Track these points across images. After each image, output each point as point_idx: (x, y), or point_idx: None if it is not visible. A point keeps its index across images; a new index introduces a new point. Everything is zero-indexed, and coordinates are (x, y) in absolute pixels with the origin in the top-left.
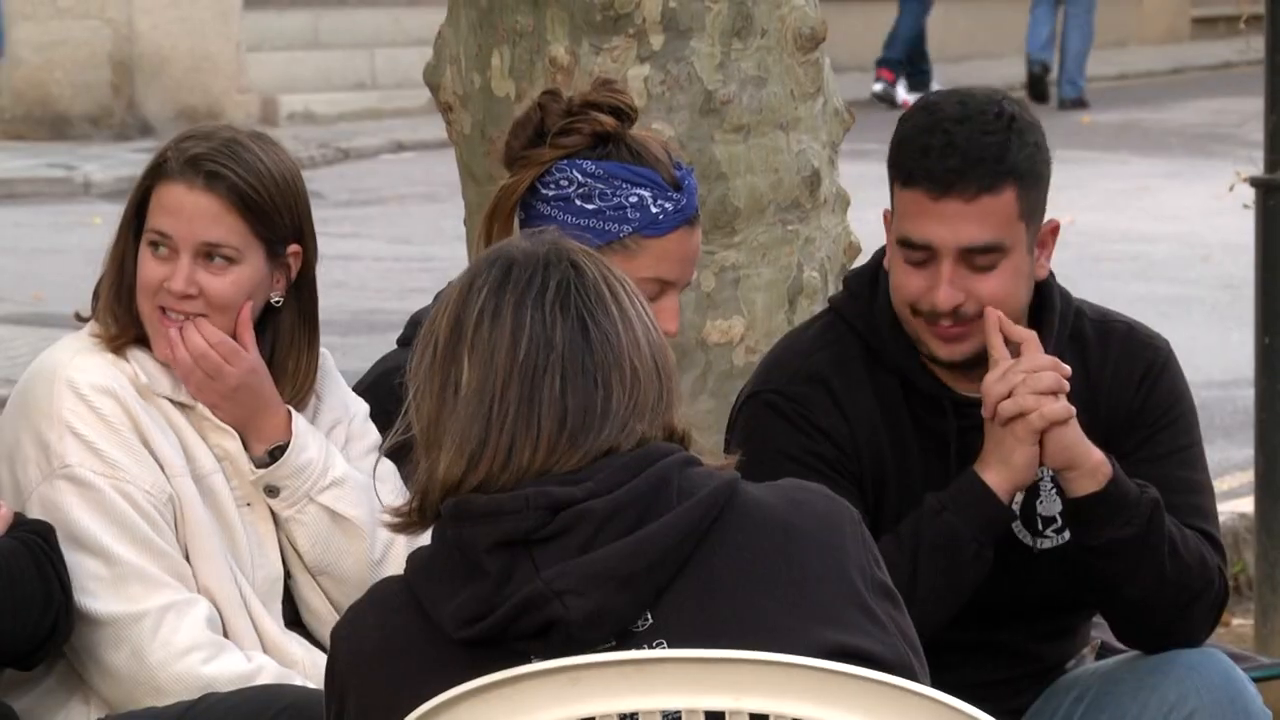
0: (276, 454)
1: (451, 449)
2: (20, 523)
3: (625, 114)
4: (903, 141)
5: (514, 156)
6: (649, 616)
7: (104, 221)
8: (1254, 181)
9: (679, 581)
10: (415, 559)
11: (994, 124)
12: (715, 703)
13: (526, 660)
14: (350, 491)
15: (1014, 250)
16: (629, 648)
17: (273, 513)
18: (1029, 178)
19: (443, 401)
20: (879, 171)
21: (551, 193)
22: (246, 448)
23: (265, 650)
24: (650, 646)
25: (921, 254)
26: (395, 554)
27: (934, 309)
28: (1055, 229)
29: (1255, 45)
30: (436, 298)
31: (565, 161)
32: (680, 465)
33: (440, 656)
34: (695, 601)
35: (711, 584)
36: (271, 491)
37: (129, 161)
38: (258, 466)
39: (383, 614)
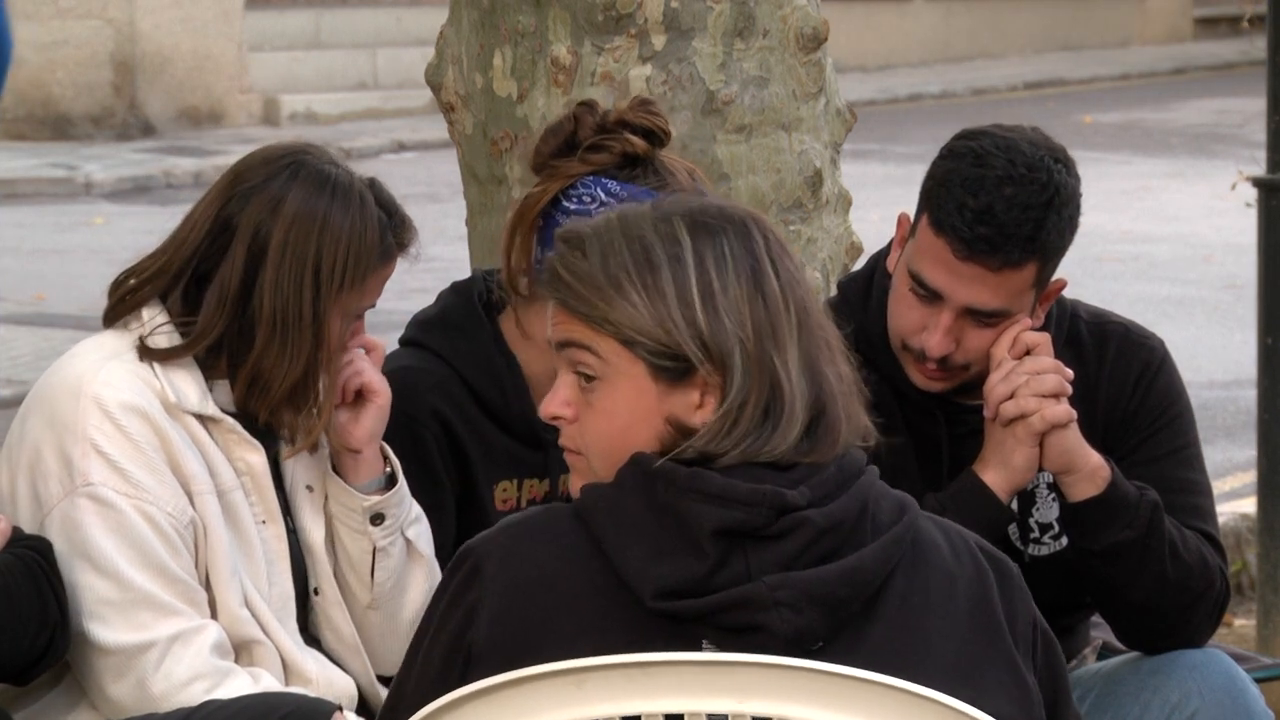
0: (389, 482)
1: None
2: (18, 538)
3: (658, 137)
4: (943, 183)
5: (541, 162)
6: (820, 641)
7: (106, 221)
8: (1256, 181)
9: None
10: (605, 502)
11: (1037, 195)
12: (718, 705)
13: (698, 646)
14: (425, 529)
15: (1018, 315)
16: None
17: (291, 531)
18: (1053, 252)
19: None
20: (881, 171)
21: (573, 206)
22: (341, 471)
23: (284, 667)
24: None
25: (927, 294)
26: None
27: (923, 351)
28: (1061, 287)
29: (1257, 45)
30: (439, 296)
31: (591, 178)
32: (871, 483)
33: (608, 609)
34: (862, 632)
35: (877, 619)
36: (377, 519)
37: (131, 161)
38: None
39: (551, 549)
